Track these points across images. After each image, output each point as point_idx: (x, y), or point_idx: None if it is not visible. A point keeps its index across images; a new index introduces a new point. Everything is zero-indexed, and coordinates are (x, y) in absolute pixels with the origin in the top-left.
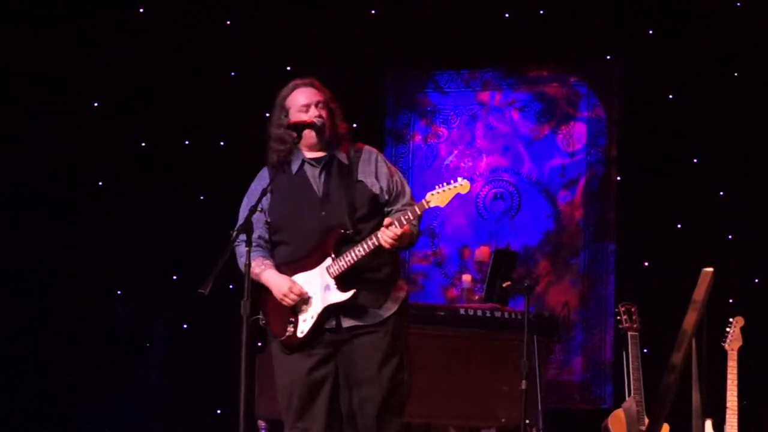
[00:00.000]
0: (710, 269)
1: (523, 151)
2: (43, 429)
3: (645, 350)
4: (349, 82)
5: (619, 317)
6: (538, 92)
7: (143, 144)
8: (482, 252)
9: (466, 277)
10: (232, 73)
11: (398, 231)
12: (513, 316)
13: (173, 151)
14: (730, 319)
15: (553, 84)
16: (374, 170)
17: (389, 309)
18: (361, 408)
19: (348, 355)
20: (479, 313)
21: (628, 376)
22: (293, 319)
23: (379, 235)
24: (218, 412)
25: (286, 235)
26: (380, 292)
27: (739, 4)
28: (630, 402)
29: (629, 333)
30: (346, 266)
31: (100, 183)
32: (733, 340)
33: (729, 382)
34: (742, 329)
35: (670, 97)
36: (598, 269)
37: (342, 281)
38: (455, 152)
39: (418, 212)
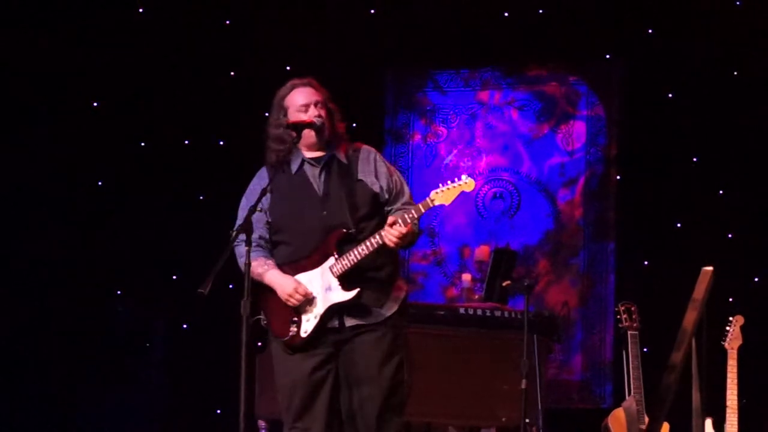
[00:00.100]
0: (710, 268)
1: (522, 151)
2: (43, 429)
3: (645, 349)
4: (349, 81)
5: (618, 316)
6: (538, 91)
7: (143, 144)
8: (482, 251)
9: (466, 277)
10: (232, 73)
11: (403, 229)
12: (513, 315)
13: (173, 151)
14: (730, 318)
15: (553, 83)
16: (374, 169)
17: (390, 308)
18: (361, 408)
19: (349, 355)
20: (479, 312)
21: (628, 376)
22: (296, 319)
23: (383, 234)
24: (218, 411)
25: (287, 235)
26: (381, 291)
27: (738, 3)
28: (630, 401)
29: (629, 332)
30: (349, 265)
31: (100, 183)
32: (733, 339)
33: (729, 380)
34: (742, 328)
35: (670, 96)
36: (597, 268)
37: (345, 280)
38: (455, 151)
39: (423, 210)
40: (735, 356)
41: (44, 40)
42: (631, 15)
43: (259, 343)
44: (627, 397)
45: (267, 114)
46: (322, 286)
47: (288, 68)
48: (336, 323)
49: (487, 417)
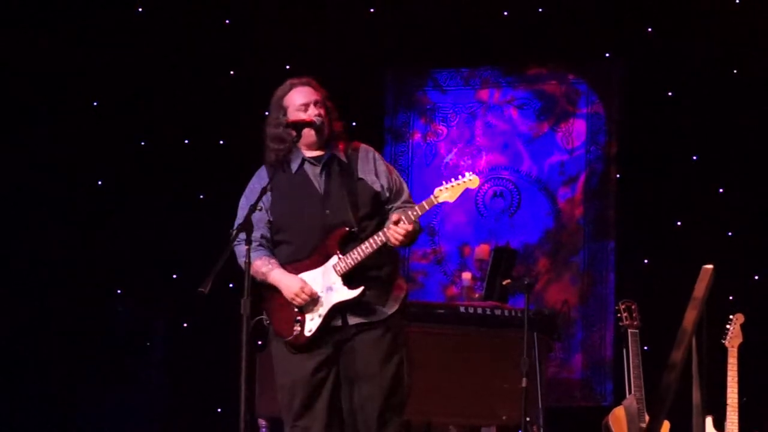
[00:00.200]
0: (710, 266)
1: (522, 149)
2: (43, 429)
3: (645, 348)
4: (349, 80)
5: (619, 315)
6: (538, 90)
7: (143, 143)
8: (482, 250)
9: (466, 275)
10: (232, 72)
11: (409, 227)
12: (513, 313)
13: (173, 150)
14: (731, 316)
15: (552, 82)
16: (373, 168)
17: (392, 307)
18: (362, 407)
19: (349, 353)
20: (479, 311)
21: (629, 374)
22: (300, 318)
23: (387, 232)
24: (218, 411)
25: (288, 234)
26: (383, 289)
27: (738, 2)
28: (630, 400)
29: (629, 330)
30: (353, 264)
31: (100, 183)
32: (733, 337)
33: (729, 379)
34: (742, 326)
35: (670, 94)
36: (597, 267)
37: (347, 279)
38: (455, 150)
39: (427, 207)
40: (735, 354)
41: (44, 40)
42: (631, 14)
43: (260, 342)
44: (627, 395)
45: (267, 113)
46: (325, 285)
47: (288, 67)
48: (339, 322)
49: (487, 416)
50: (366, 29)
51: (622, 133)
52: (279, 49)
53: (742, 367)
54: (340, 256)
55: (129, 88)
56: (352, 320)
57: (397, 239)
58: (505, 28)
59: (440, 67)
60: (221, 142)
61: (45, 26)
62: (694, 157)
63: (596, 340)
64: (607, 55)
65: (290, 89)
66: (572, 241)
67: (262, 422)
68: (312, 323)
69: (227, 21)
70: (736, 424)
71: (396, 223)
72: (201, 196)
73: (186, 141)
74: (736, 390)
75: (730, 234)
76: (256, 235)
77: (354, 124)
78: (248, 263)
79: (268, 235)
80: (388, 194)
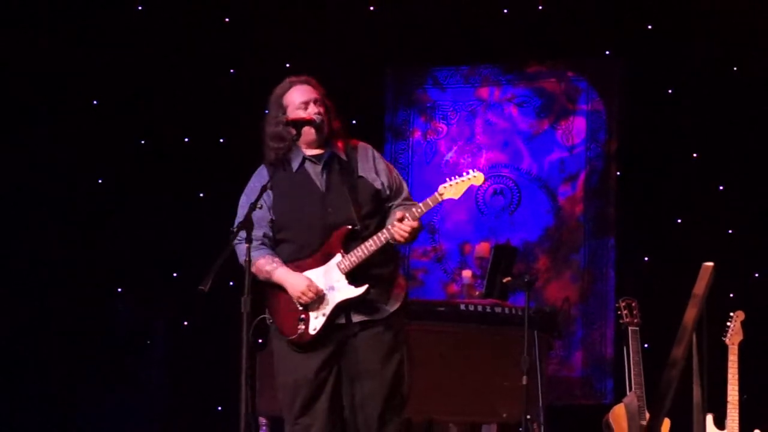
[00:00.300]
0: (710, 264)
1: (522, 147)
2: (43, 429)
3: (646, 345)
4: (349, 78)
5: (619, 312)
6: (537, 88)
7: (143, 142)
8: (482, 248)
9: (466, 273)
10: (232, 71)
11: (414, 224)
12: (513, 311)
13: (173, 149)
14: (731, 314)
15: (552, 79)
16: (373, 166)
17: (393, 305)
18: (363, 406)
19: (351, 352)
20: (479, 308)
21: (629, 372)
22: (304, 317)
23: (391, 230)
24: (219, 409)
25: (290, 233)
26: (385, 287)
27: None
28: (631, 397)
29: (630, 328)
30: (357, 262)
31: (100, 182)
32: (733, 335)
33: (730, 376)
34: (743, 323)
35: (670, 92)
36: (598, 264)
37: (352, 277)
38: (455, 148)
39: (431, 204)
40: (736, 352)
41: (44, 40)
42: (631, 12)
43: (260, 341)
44: (628, 393)
45: (267, 112)
46: (329, 284)
47: (288, 66)
48: (343, 319)
49: (487, 413)
50: (366, 27)
51: (622, 130)
52: (279, 47)
53: (742, 364)
54: (344, 254)
55: (129, 87)
56: (356, 318)
57: (402, 236)
58: (505, 25)
59: (440, 65)
60: (221, 141)
61: (45, 26)
62: (695, 155)
63: (596, 337)
64: (607, 53)
65: (290, 87)
66: (572, 239)
67: (262, 421)
68: (317, 321)
69: (227, 20)
70: (737, 422)
71: (400, 220)
72: (201, 195)
73: (186, 140)
74: (736, 387)
75: (730, 232)
76: (257, 233)
77: (354, 122)
78: (248, 261)
79: (270, 233)
80: (388, 192)
